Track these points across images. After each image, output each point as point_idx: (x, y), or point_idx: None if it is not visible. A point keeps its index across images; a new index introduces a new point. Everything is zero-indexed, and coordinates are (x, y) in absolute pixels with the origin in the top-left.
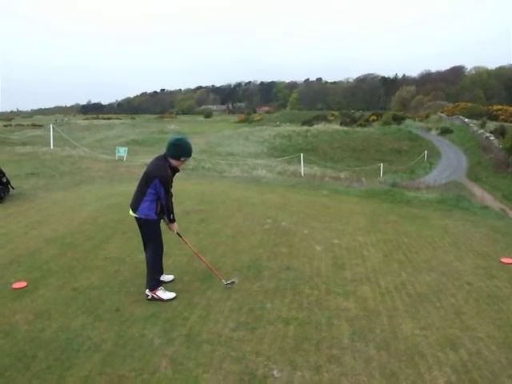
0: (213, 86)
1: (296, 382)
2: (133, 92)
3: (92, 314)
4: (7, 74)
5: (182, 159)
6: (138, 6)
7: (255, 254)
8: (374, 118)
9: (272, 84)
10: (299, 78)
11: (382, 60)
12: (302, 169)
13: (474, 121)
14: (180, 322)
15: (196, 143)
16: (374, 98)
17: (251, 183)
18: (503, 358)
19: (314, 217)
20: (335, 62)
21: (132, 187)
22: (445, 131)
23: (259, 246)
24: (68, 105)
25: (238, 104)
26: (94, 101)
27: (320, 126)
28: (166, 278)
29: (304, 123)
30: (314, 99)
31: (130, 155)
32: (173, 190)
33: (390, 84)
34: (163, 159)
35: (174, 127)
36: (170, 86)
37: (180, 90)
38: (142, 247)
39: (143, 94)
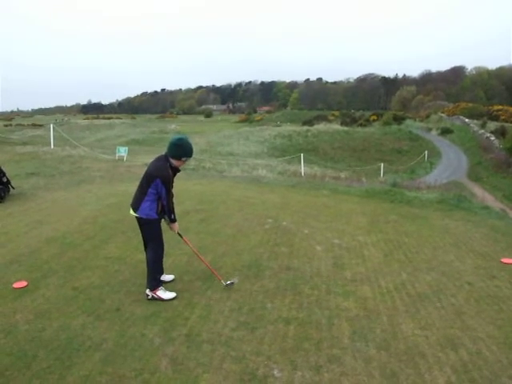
0: (213, 85)
1: (296, 381)
2: (133, 92)
3: (92, 314)
4: (7, 74)
5: (183, 159)
6: (137, 5)
7: (255, 254)
8: (375, 117)
9: (272, 84)
10: (300, 77)
11: (382, 60)
12: (303, 169)
13: (475, 121)
14: (180, 322)
15: (196, 143)
16: (374, 98)
17: (252, 183)
18: (504, 358)
19: (315, 217)
20: (336, 62)
21: (132, 187)
22: (445, 131)
23: (259, 245)
24: (68, 104)
25: (239, 104)
26: (95, 101)
27: (320, 126)
28: (166, 277)
29: (304, 123)
30: (315, 99)
31: (130, 155)
32: (173, 190)
33: (391, 84)
34: (164, 159)
35: (174, 127)
36: (171, 86)
37: (180, 89)
38: (142, 247)
39: (144, 94)
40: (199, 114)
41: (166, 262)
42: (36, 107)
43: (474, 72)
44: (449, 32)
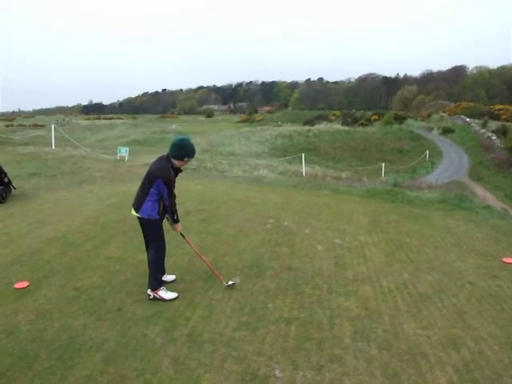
0: (214, 85)
1: (298, 381)
2: (134, 92)
3: (94, 314)
4: (8, 74)
5: (185, 159)
6: (137, 5)
7: (257, 254)
8: (376, 117)
9: (273, 84)
10: (300, 77)
11: (383, 60)
12: (304, 169)
13: (476, 120)
14: (182, 322)
15: (197, 143)
16: (375, 98)
17: (253, 183)
18: (505, 357)
19: (316, 216)
20: (336, 62)
21: (133, 187)
22: (446, 131)
23: (261, 245)
24: (69, 105)
25: (240, 104)
26: (96, 101)
27: (321, 126)
28: (167, 277)
29: (305, 123)
30: (316, 99)
31: (131, 155)
32: (175, 190)
33: (392, 84)
34: (166, 159)
35: (175, 127)
36: (172, 86)
37: (181, 89)
38: (143, 247)
39: (145, 94)
40: (200, 114)
41: (168, 262)
42: (37, 108)
43: (475, 71)
44: (449, 31)
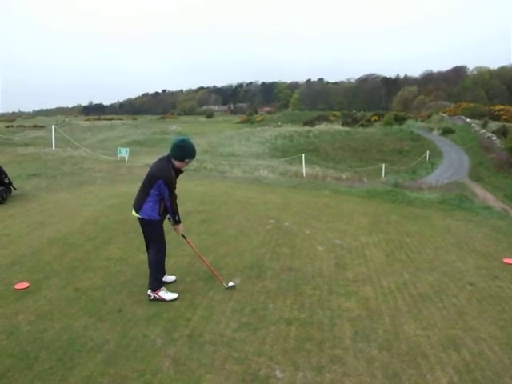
0: (214, 86)
1: (298, 382)
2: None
3: (94, 315)
4: (8, 75)
5: (186, 161)
6: (137, 5)
7: (257, 255)
8: (376, 118)
9: (273, 84)
10: (301, 78)
11: (383, 60)
12: (304, 169)
13: (476, 121)
14: (182, 323)
15: (198, 144)
16: (375, 99)
17: (253, 184)
18: (506, 358)
19: (316, 217)
20: (336, 62)
21: (134, 188)
22: (447, 131)
23: (261, 246)
24: (70, 106)
25: (240, 104)
26: (96, 102)
27: (322, 127)
28: (168, 278)
29: (305, 123)
30: (316, 99)
31: (131, 156)
32: (176, 191)
33: (392, 84)
34: (167, 160)
35: (175, 128)
36: (172, 87)
37: (181, 90)
38: (143, 248)
39: (145, 95)
40: (200, 115)
41: (168, 262)
42: (37, 108)
43: (476, 72)
44: (449, 32)
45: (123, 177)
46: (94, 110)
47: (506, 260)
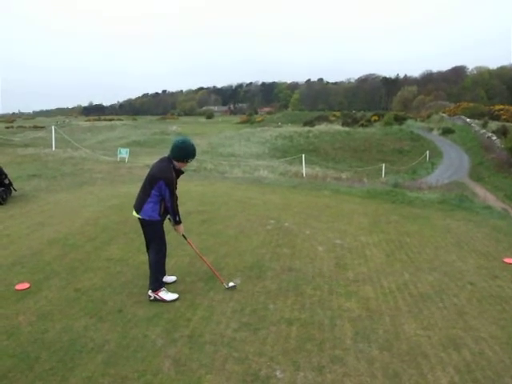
0: (214, 86)
1: (299, 382)
2: (134, 93)
3: (95, 315)
4: (8, 75)
5: (186, 161)
6: (137, 5)
7: (258, 255)
8: (376, 118)
9: (273, 85)
10: (300, 78)
11: (383, 60)
12: (304, 169)
13: (476, 121)
14: (183, 323)
15: (198, 144)
16: (375, 99)
17: (253, 184)
18: (506, 358)
19: (316, 217)
20: (336, 63)
21: (134, 188)
22: (446, 131)
23: (262, 246)
24: (70, 106)
25: (240, 105)
26: (96, 102)
27: (322, 127)
28: (168, 279)
29: (305, 124)
30: (316, 100)
31: (131, 156)
32: (176, 192)
33: (392, 84)
34: (167, 161)
35: (175, 128)
36: (172, 87)
37: (181, 91)
38: (144, 248)
39: (145, 96)
40: (200, 116)
41: (169, 263)
42: (37, 109)
43: (475, 72)
44: (449, 32)
45: (123, 177)
46: (93, 111)
47: (507, 260)
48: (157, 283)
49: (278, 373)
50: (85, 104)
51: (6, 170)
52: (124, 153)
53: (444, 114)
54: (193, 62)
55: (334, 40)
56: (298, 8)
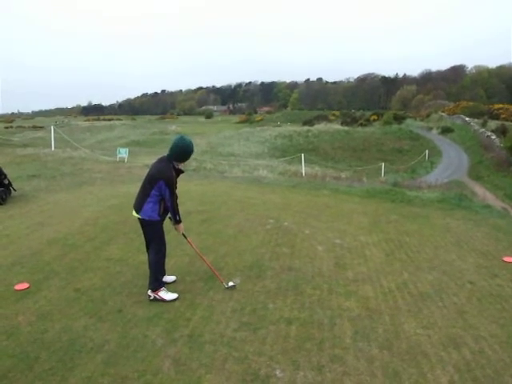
0: (213, 86)
1: (299, 381)
2: (133, 93)
3: (94, 315)
4: (8, 75)
5: (185, 159)
6: (137, 5)
7: (257, 254)
8: (375, 117)
9: (272, 84)
10: (300, 77)
11: (382, 59)
12: (303, 169)
13: (475, 120)
14: (182, 323)
15: (197, 144)
16: (374, 98)
17: (252, 183)
18: (506, 356)
19: (316, 217)
20: (336, 62)
21: (133, 188)
22: (446, 130)
23: (261, 246)
24: (69, 106)
25: (239, 104)
26: (95, 102)
27: (321, 126)
28: (168, 278)
29: (305, 123)
30: (315, 99)
31: (130, 156)
32: (176, 191)
33: (391, 83)
34: (166, 160)
35: (175, 128)
36: (171, 87)
37: (181, 90)
38: (143, 248)
39: (144, 95)
40: (199, 115)
41: (168, 263)
42: (36, 109)
43: (474, 71)
44: (449, 31)
45: (123, 177)
46: (93, 111)
47: (506, 258)
48: (156, 283)
49: (277, 372)
50: (84, 104)
51: (5, 170)
52: (123, 153)
53: (443, 113)
54: (192, 61)
55: (333, 39)
56: (298, 8)
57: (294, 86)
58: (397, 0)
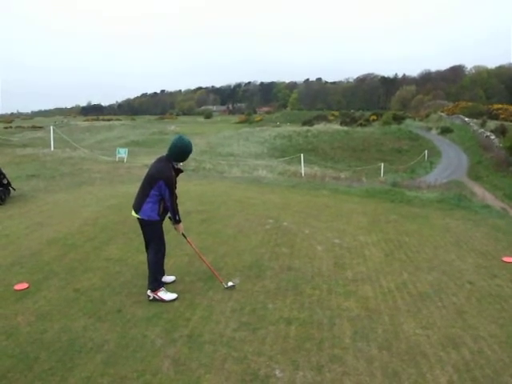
0: (213, 86)
1: (298, 381)
2: (133, 93)
3: (94, 315)
4: (7, 75)
5: (184, 159)
6: (137, 5)
7: (257, 254)
8: (374, 117)
9: (272, 84)
10: (299, 78)
11: (381, 60)
12: (303, 169)
13: (475, 120)
14: (182, 323)
15: (197, 144)
16: (373, 98)
17: (252, 184)
18: (505, 356)
19: (315, 217)
20: (335, 62)
21: (132, 188)
22: (445, 130)
23: (261, 246)
24: (68, 106)
25: (238, 104)
26: (94, 102)
27: (320, 126)
28: (167, 278)
29: (304, 123)
30: (314, 99)
31: (130, 156)
32: (176, 191)
33: (390, 84)
34: (165, 160)
35: (174, 128)
36: (170, 87)
37: (180, 90)
38: (143, 248)
39: (143, 95)
40: (199, 115)
41: (168, 263)
42: (36, 109)
43: (474, 71)
44: (448, 31)
45: (122, 177)
46: (92, 111)
47: (506, 259)
48: (156, 283)
49: (277, 372)
50: (83, 104)
51: (4, 170)
52: (123, 153)
53: (442, 114)
54: (192, 61)
55: (332, 39)
56: (298, 8)
57: (293, 86)
58: (397, 0)
